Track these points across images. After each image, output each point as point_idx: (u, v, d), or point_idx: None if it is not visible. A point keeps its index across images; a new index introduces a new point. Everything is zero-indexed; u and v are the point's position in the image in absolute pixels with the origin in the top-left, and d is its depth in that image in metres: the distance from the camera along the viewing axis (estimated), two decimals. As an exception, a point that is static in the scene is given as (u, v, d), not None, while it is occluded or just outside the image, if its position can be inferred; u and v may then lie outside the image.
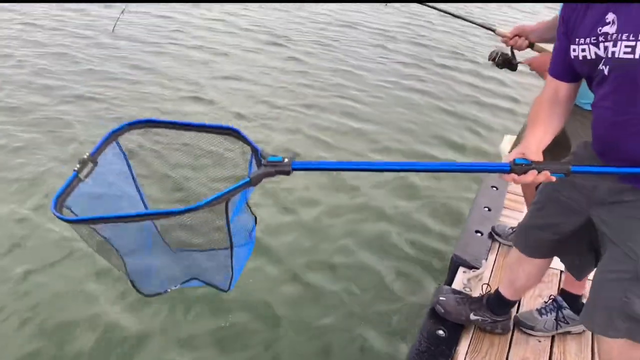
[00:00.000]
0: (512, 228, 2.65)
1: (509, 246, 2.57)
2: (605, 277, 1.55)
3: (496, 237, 2.69)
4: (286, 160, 1.23)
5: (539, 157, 1.38)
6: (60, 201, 1.18)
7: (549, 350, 2.14)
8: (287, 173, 1.23)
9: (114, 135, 1.34)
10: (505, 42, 2.32)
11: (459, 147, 4.82)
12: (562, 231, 1.74)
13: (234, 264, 1.38)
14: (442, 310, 2.18)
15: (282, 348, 2.54)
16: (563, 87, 1.54)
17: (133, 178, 1.44)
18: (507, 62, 2.36)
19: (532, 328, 2.19)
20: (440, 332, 2.13)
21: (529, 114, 1.77)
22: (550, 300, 2.21)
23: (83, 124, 4.55)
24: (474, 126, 5.30)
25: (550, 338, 2.19)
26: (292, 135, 4.75)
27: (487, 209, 2.89)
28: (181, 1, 9.64)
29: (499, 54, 2.37)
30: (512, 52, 2.34)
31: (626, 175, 1.43)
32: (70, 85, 5.36)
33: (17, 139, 4.19)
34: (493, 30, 2.43)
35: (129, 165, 1.41)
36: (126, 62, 6.20)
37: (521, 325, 2.21)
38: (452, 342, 2.11)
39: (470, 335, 2.16)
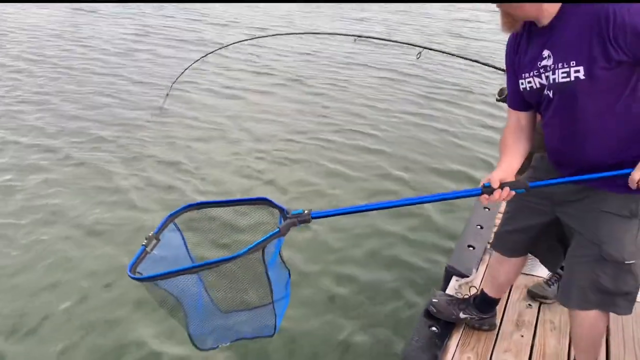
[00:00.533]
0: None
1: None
2: (575, 261, 1.89)
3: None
4: (306, 212, 1.59)
5: (509, 179, 1.71)
6: (134, 268, 1.53)
7: (530, 343, 2.45)
8: (308, 222, 1.58)
9: (171, 218, 1.68)
10: None
11: (467, 168, 5.29)
12: (533, 232, 2.08)
13: (276, 312, 1.69)
14: (435, 310, 2.51)
15: (288, 343, 2.93)
16: (523, 116, 1.90)
17: (186, 248, 1.75)
18: None
19: (545, 297, 2.63)
20: (434, 328, 2.45)
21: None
22: (553, 276, 2.66)
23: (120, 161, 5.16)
24: (483, 157, 5.72)
25: (532, 333, 2.50)
26: (312, 163, 5.29)
27: (479, 226, 3.24)
28: (197, 1, 10.42)
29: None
30: None
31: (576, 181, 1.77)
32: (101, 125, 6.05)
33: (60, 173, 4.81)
34: (503, 71, 2.84)
35: (183, 239, 1.74)
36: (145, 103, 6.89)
37: (536, 297, 2.68)
38: (444, 336, 2.43)
39: (460, 332, 2.48)
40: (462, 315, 2.47)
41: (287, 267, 1.76)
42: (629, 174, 1.59)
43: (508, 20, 1.70)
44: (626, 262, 1.76)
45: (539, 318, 2.60)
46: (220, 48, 4.77)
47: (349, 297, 3.34)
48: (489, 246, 3.04)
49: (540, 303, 2.68)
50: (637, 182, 1.56)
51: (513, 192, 1.68)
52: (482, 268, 2.93)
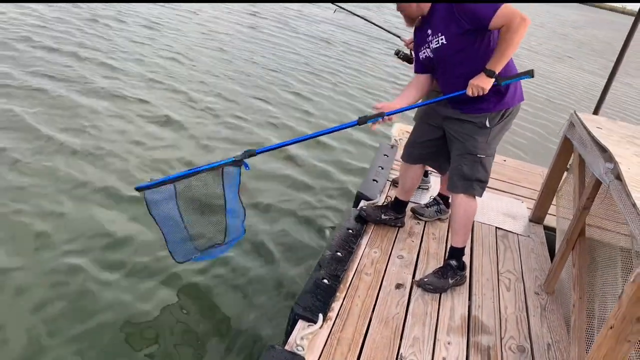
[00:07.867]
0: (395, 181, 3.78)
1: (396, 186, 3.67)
2: (453, 158, 2.72)
3: (394, 185, 3.79)
4: (252, 149, 2.45)
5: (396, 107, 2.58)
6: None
7: (418, 245, 3.20)
8: (254, 154, 2.46)
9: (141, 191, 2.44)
10: (407, 45, 3.49)
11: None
12: (429, 143, 2.87)
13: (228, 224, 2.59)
14: (365, 214, 3.19)
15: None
16: (420, 77, 2.74)
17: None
18: (406, 58, 3.52)
19: (422, 215, 3.39)
20: (350, 230, 3.10)
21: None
22: (432, 199, 3.43)
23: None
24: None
25: (420, 239, 3.27)
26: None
27: (380, 167, 3.99)
28: (190, 1, 10.21)
29: (401, 51, 3.55)
30: (410, 52, 3.50)
31: (447, 100, 2.61)
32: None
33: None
34: (399, 37, 3.61)
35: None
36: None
37: (416, 214, 3.40)
38: (357, 236, 3.09)
39: (369, 235, 3.17)
40: (383, 217, 3.20)
41: (243, 207, 2.61)
42: (465, 92, 2.48)
43: (407, 20, 2.60)
44: (478, 155, 2.63)
45: (425, 230, 3.39)
46: None
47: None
48: (387, 181, 3.81)
49: (425, 222, 3.48)
50: (472, 89, 2.43)
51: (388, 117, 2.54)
52: (383, 195, 3.67)
